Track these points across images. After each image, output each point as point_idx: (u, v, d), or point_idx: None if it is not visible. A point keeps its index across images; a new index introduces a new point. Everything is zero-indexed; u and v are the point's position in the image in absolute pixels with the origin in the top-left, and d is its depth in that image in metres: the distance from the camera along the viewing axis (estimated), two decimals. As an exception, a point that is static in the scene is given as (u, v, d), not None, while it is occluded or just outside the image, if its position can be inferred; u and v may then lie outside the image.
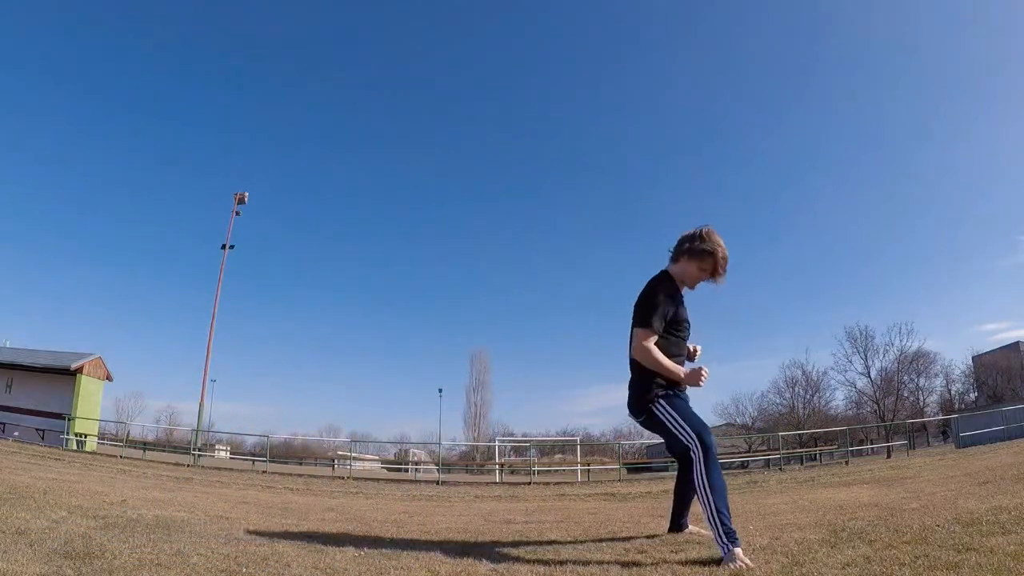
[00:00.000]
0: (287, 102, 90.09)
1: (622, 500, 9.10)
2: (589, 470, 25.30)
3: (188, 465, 18.65)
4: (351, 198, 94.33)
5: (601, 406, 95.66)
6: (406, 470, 36.03)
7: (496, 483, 18.49)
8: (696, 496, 3.10)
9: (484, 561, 2.97)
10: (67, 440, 22.86)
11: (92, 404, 26.55)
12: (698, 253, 3.35)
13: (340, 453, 35.16)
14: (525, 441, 47.83)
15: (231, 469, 19.00)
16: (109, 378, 28.24)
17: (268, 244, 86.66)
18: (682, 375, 3.25)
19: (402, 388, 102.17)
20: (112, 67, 78.67)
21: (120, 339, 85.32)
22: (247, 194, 29.44)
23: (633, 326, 3.36)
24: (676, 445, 3.21)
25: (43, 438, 23.48)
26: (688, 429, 3.13)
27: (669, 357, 3.28)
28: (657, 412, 3.26)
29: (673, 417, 3.20)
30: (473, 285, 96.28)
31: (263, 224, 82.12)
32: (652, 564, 2.84)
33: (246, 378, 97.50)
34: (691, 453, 3.08)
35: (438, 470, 24.42)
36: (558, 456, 41.62)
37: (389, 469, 37.57)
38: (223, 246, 28.33)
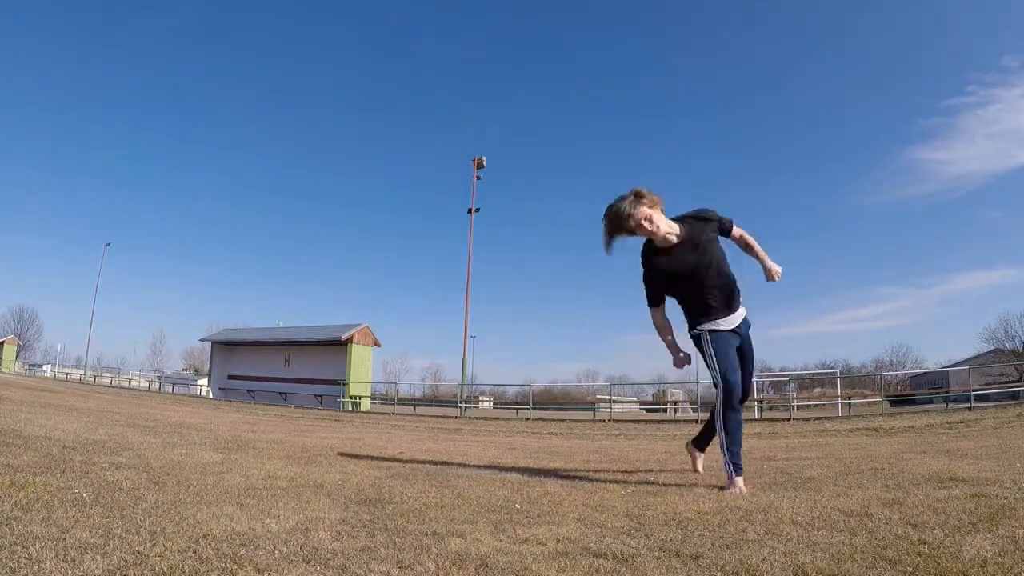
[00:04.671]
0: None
1: (885, 435, 9.24)
2: (850, 404, 24.05)
3: (456, 417, 21.15)
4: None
5: (858, 330, 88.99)
6: (665, 410, 36.68)
7: (755, 419, 18.30)
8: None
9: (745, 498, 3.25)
10: (343, 403, 27.26)
11: (364, 369, 31.14)
12: (623, 231, 3.78)
13: (599, 397, 36.85)
14: (783, 375, 49.26)
15: (496, 418, 21.02)
16: (377, 344, 32.75)
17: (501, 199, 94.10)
18: (673, 359, 4.01)
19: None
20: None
21: (381, 306, 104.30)
22: (485, 158, 31.56)
23: None
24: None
25: (321, 402, 28.29)
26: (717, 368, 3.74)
27: (687, 303, 3.90)
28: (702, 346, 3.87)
29: (711, 352, 3.81)
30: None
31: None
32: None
33: (502, 332, 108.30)
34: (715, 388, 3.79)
35: (695, 409, 24.44)
36: (817, 390, 41.88)
37: (648, 410, 38.55)
38: (469, 210, 31.12)
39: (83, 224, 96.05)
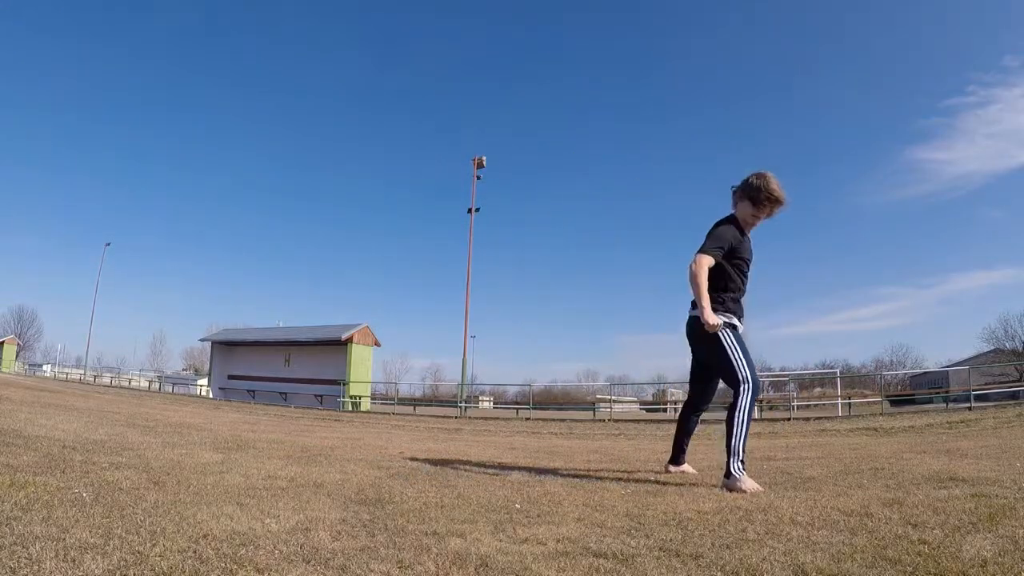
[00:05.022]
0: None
1: (885, 435, 9.24)
2: (850, 404, 24.04)
3: (455, 417, 21.13)
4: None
5: (858, 330, 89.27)
6: (665, 410, 36.69)
7: (755, 420, 18.13)
8: (727, 426, 3.74)
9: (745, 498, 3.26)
10: (343, 403, 27.25)
11: (364, 369, 31.12)
12: (753, 197, 3.91)
13: (599, 397, 36.90)
14: (783, 375, 49.72)
15: (496, 418, 21.00)
16: (377, 344, 32.71)
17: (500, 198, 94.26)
18: (705, 310, 3.70)
19: (657, 327, 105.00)
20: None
21: (381, 306, 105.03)
22: (485, 158, 31.64)
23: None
24: (730, 377, 3.83)
25: (321, 402, 28.29)
26: (745, 365, 3.77)
27: (724, 285, 3.93)
28: (721, 339, 3.84)
29: (737, 349, 3.82)
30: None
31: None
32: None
33: (502, 332, 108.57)
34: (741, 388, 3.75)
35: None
36: (817, 390, 42.14)
37: (648, 410, 38.58)
38: (469, 210, 31.28)
39: (83, 224, 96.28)
